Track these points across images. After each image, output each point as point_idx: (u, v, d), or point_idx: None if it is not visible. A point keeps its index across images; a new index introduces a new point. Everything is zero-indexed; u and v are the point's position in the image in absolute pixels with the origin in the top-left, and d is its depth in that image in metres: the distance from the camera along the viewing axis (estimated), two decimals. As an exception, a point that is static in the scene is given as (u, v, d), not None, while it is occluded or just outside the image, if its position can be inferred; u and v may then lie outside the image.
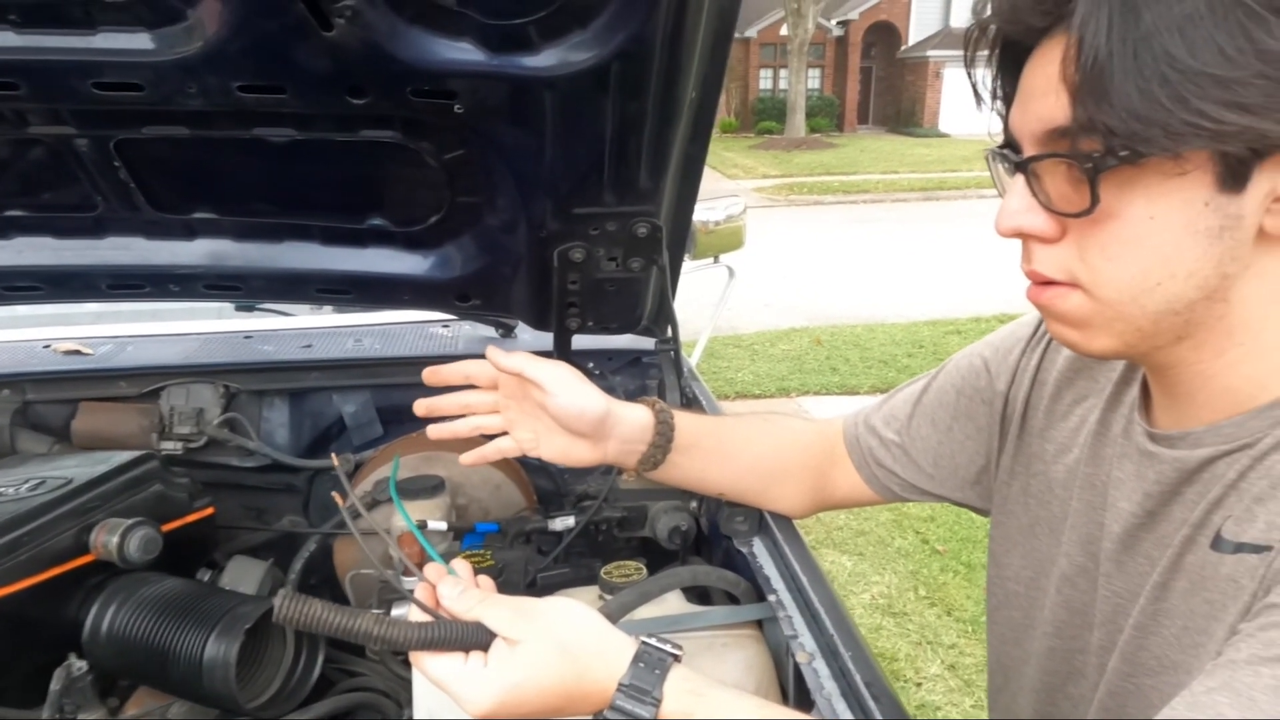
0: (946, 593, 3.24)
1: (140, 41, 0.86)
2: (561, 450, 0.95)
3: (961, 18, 24.73)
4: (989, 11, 0.61)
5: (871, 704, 0.70)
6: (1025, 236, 0.63)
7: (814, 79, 26.42)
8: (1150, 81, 0.50)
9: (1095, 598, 0.71)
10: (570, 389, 0.93)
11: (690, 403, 1.17)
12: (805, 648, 0.79)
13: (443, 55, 0.88)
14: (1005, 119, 0.64)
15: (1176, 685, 0.52)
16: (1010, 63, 0.62)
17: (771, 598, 0.88)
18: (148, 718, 0.96)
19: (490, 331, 1.51)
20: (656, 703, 0.61)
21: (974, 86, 0.65)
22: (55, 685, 0.87)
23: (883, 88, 28.21)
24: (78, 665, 0.89)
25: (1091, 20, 0.52)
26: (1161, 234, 0.55)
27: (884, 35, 27.06)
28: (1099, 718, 0.69)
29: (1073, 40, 0.53)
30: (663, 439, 0.95)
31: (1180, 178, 0.53)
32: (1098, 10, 0.52)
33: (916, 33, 26.15)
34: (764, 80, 27.17)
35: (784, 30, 22.74)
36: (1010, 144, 0.63)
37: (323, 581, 1.36)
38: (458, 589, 0.68)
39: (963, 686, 2.75)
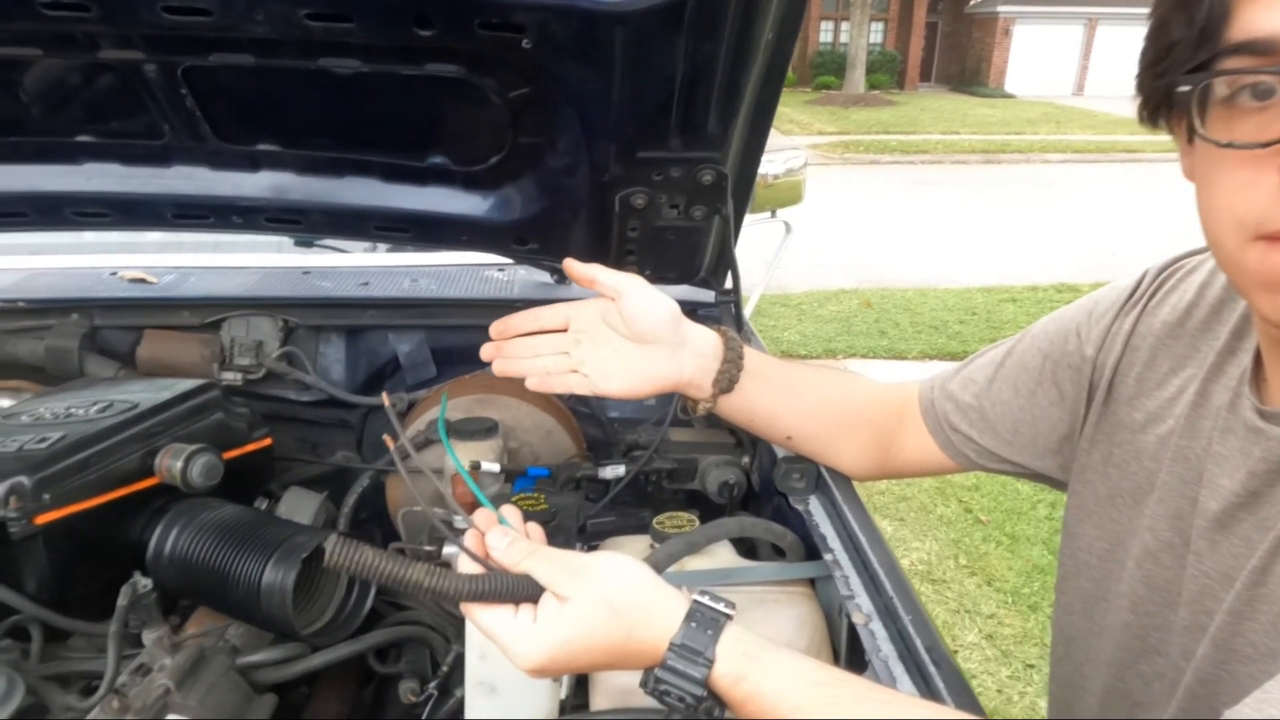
0: (987, 563, 3.21)
1: (209, -36, 0.85)
2: (635, 373, 0.94)
3: (1036, -29, 23.67)
4: None
5: (932, 669, 0.69)
6: None
7: (876, 33, 25.56)
8: None
9: (1182, 576, 0.68)
10: (644, 290, 0.94)
11: (748, 356, 1.15)
12: (862, 609, 0.78)
13: (513, -14, 0.86)
14: (1210, 40, 0.52)
15: (1271, 673, 0.50)
16: None
17: (828, 556, 0.86)
18: (207, 636, 0.99)
19: (545, 277, 1.50)
20: (709, 663, 0.60)
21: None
22: (122, 600, 0.89)
23: (948, 44, 27.18)
24: (143, 583, 0.92)
25: None
26: None
27: (952, -12, 25.99)
28: (1183, 704, 0.67)
29: None
30: (734, 354, 0.95)
31: None
32: None
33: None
34: (824, 33, 26.35)
35: (848, -20, 21.98)
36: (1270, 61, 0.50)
37: (373, 516, 1.38)
38: (506, 539, 0.68)
39: (1000, 656, 2.74)
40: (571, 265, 0.96)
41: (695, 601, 0.63)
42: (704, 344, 0.96)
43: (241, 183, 1.17)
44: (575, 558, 0.67)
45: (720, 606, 0.63)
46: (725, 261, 1.31)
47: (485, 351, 0.98)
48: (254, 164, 1.16)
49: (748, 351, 0.98)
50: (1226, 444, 0.66)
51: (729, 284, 1.32)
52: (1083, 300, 0.86)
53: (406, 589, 0.63)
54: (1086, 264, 7.12)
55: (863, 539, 0.86)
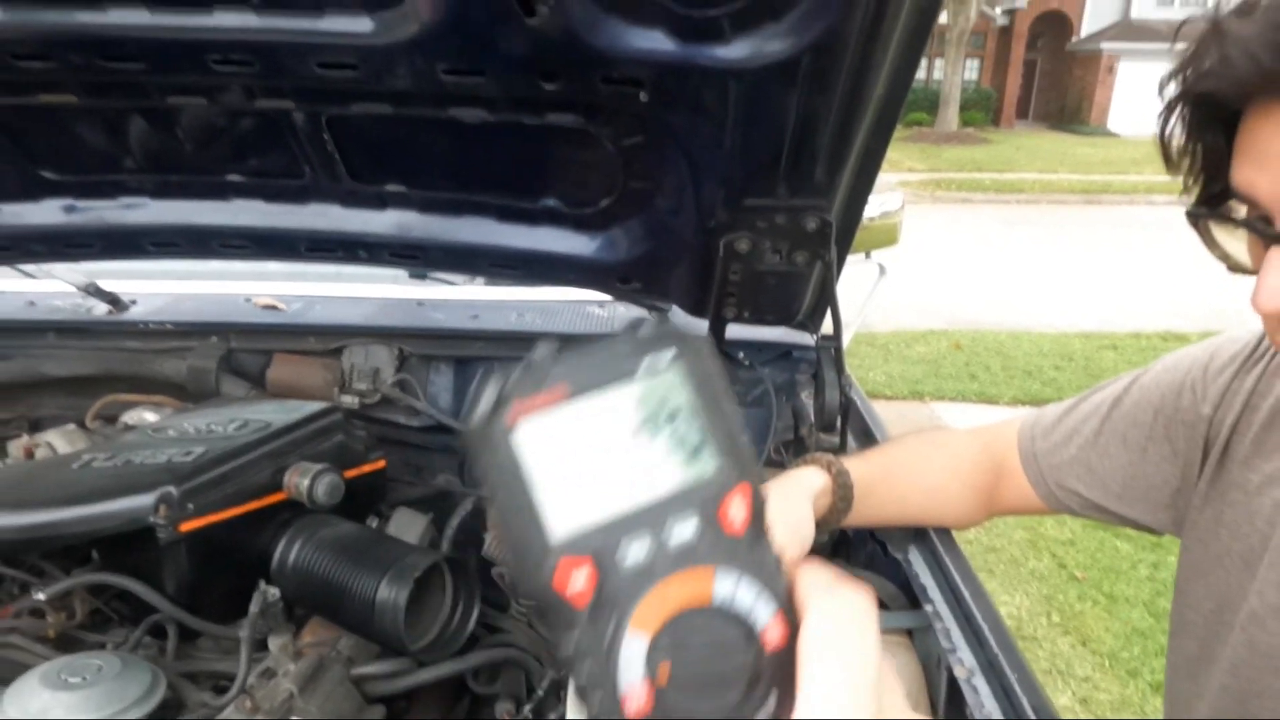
0: (1083, 622, 3.06)
1: (361, 25, 0.93)
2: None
3: (1143, 9, 22.88)
4: (1202, 68, 0.58)
5: (1039, 731, 0.68)
6: None
7: (971, 70, 25.13)
8: None
9: None
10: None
11: (848, 403, 1.16)
12: (964, 663, 0.77)
13: (635, 44, 0.91)
14: (1218, 180, 0.61)
15: None
16: (1218, 122, 0.60)
17: (928, 607, 0.86)
18: (323, 646, 1.05)
19: (644, 314, 1.54)
20: None
21: (1166, 149, 0.64)
22: (254, 607, 0.96)
23: (1047, 82, 26.49)
24: (272, 592, 0.98)
25: None
26: None
27: (1054, 25, 25.36)
28: None
29: None
30: (844, 501, 0.93)
31: None
32: None
33: (1091, 24, 24.36)
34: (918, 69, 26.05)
35: (943, 17, 21.73)
36: (1255, 211, 0.59)
37: (471, 541, 1.43)
38: None
39: (1095, 722, 2.60)
40: None
41: None
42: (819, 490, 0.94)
43: (370, 220, 1.26)
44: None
45: None
46: (824, 306, 1.32)
47: None
48: (382, 203, 1.24)
49: (851, 467, 0.95)
50: None
51: (826, 327, 1.33)
52: (1196, 351, 0.84)
53: None
54: (1195, 312, 6.78)
55: (965, 591, 0.85)
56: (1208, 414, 0.79)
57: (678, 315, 1.54)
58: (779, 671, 0.33)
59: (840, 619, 0.32)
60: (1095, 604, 3.16)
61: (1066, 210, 12.13)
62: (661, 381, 0.34)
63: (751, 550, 0.34)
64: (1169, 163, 0.64)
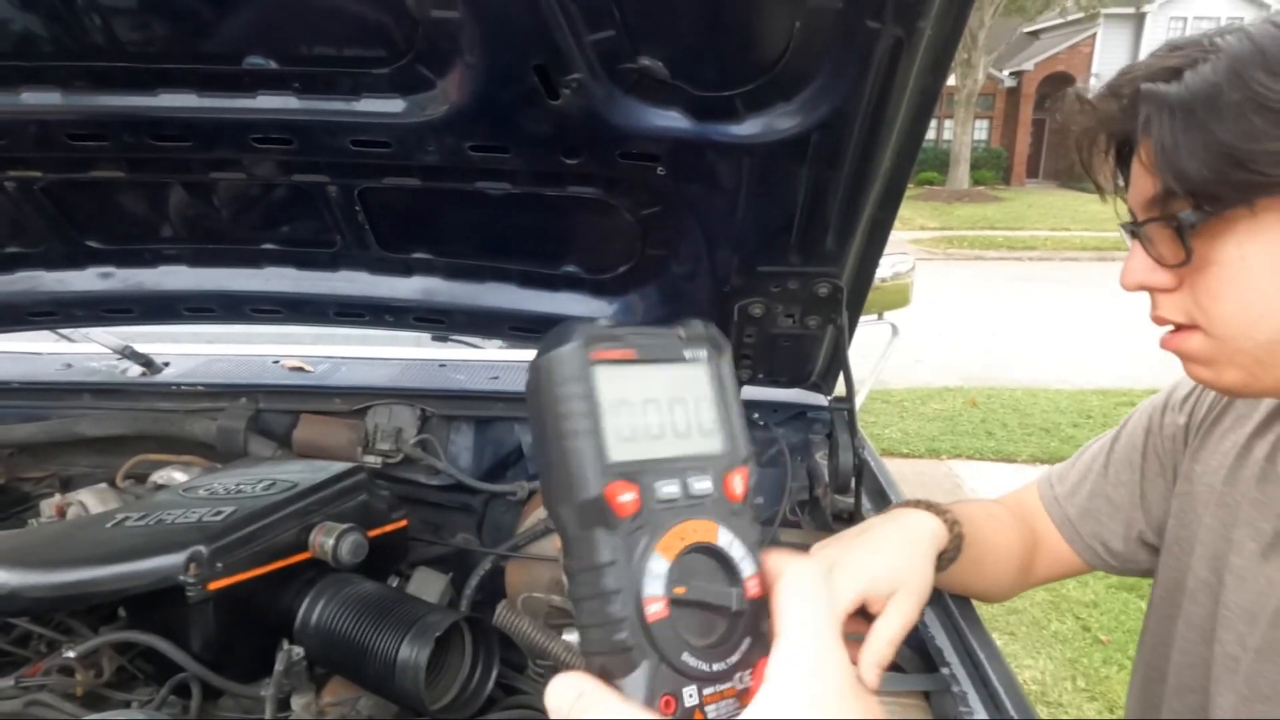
0: (1109, 687, 2.99)
1: (395, 106, 0.99)
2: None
3: (1149, 69, 23.23)
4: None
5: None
6: (1147, 289, 0.74)
7: (981, 130, 25.54)
8: (1211, 153, 0.63)
9: (1216, 614, 0.76)
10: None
11: (861, 464, 1.17)
12: (981, 726, 0.78)
13: (653, 122, 0.96)
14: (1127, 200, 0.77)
15: None
16: (1122, 157, 0.77)
17: (944, 670, 0.87)
18: (344, 705, 1.06)
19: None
20: None
21: (1095, 183, 0.80)
22: (279, 666, 0.98)
23: (1056, 140, 26.78)
24: (296, 651, 1.00)
25: (1155, 123, 0.66)
26: (1254, 271, 0.66)
27: (1060, 86, 25.60)
28: None
29: (1148, 139, 0.67)
30: (953, 554, 0.86)
31: (1255, 222, 0.65)
32: (1159, 114, 0.66)
33: (1097, 84, 24.73)
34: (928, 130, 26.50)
35: (952, 79, 22.18)
36: (1131, 217, 0.76)
37: (488, 599, 1.44)
38: None
39: (1125, 793, 2.53)
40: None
41: None
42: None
43: (396, 286, 1.30)
44: None
45: None
46: (836, 368, 1.35)
47: None
48: (408, 270, 1.29)
49: (960, 516, 0.89)
50: (1265, 491, 0.74)
51: (840, 389, 1.36)
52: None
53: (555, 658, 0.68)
54: (1213, 368, 6.72)
55: (981, 655, 0.86)
56: (1183, 422, 0.89)
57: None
58: (752, 621, 0.42)
59: (808, 574, 0.41)
60: (1121, 669, 3.09)
61: (1079, 266, 12.16)
62: (696, 370, 0.45)
63: (744, 518, 0.43)
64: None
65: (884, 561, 0.78)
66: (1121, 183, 0.78)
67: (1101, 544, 0.95)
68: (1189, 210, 0.66)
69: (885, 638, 0.74)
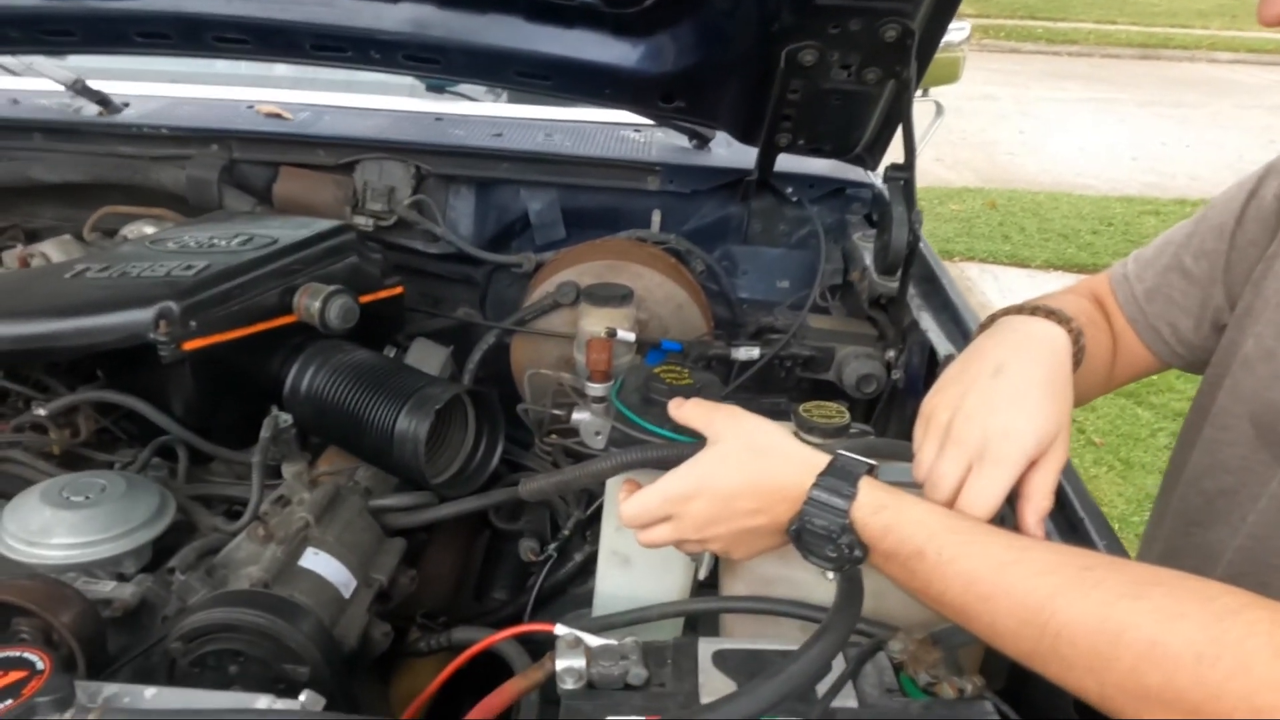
0: (1096, 486, 3.07)
1: None
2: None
3: None
4: None
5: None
6: None
7: (1034, -98, 22.97)
8: None
9: (1272, 384, 0.72)
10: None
11: (915, 242, 1.05)
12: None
13: None
14: None
15: None
16: None
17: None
18: (339, 475, 1.00)
19: (683, 141, 1.40)
20: (853, 494, 0.61)
21: None
22: (265, 432, 0.90)
23: (1115, -81, 24.24)
24: (284, 418, 0.92)
25: None
26: None
27: None
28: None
29: None
30: (1076, 364, 0.74)
31: None
32: None
33: None
34: (974, -100, 23.85)
35: None
36: None
37: (491, 377, 1.37)
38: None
39: (1099, 581, 2.65)
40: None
41: (838, 454, 0.65)
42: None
43: (381, 14, 1.10)
44: (727, 406, 0.71)
45: (859, 458, 0.64)
46: (887, 136, 1.19)
47: None
48: (395, -8, 1.09)
49: (1076, 318, 0.76)
50: None
51: (883, 162, 1.20)
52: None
53: (598, 479, 0.73)
54: (1248, 180, 6.43)
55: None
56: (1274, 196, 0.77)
57: (718, 145, 1.40)
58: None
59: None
60: (1110, 469, 3.16)
61: (1120, 64, 11.35)
62: None
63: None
64: None
65: (1039, 410, 0.64)
66: None
67: (1169, 325, 0.83)
68: None
69: (1043, 490, 0.64)
